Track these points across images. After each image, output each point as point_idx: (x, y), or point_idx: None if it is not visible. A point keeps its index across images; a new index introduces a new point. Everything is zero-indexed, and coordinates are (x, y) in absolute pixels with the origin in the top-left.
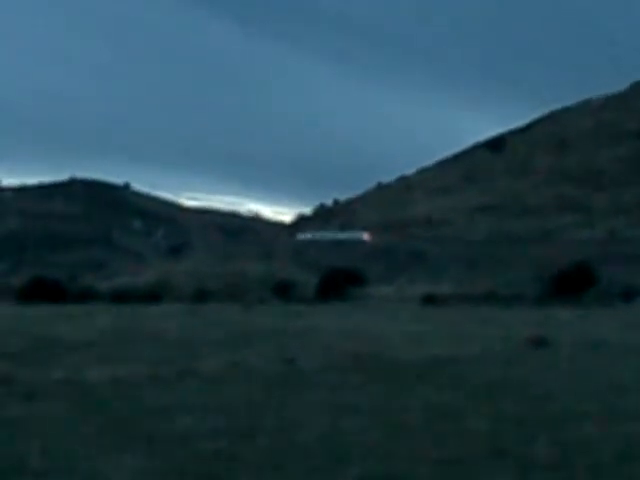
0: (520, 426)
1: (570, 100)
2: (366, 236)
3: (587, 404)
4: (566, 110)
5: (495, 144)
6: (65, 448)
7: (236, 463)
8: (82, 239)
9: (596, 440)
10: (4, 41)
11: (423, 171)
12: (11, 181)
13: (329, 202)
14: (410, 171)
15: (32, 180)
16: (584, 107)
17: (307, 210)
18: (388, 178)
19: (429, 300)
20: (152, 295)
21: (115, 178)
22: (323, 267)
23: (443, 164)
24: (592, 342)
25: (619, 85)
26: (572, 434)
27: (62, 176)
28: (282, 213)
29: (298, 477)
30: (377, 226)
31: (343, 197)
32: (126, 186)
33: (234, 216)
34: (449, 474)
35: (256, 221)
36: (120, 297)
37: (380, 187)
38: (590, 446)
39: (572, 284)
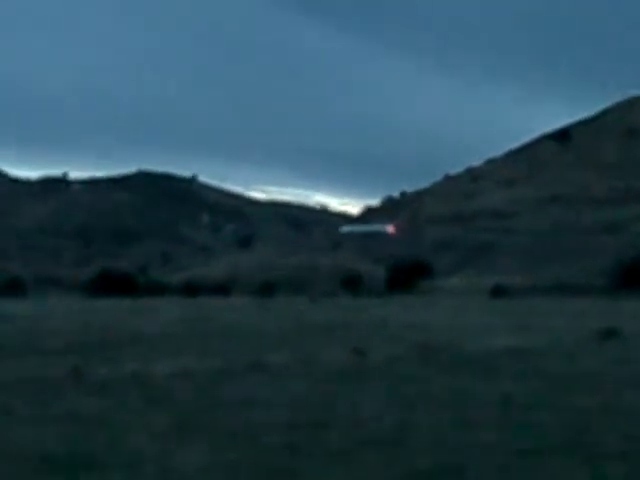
0: (590, 418)
1: (638, 90)
2: (390, 228)
3: None
4: (634, 100)
5: (562, 135)
6: (134, 442)
7: (305, 457)
8: (149, 232)
9: None
10: (71, 36)
11: (490, 162)
12: (79, 174)
13: (396, 194)
14: (477, 162)
15: (100, 173)
16: None
17: (375, 202)
18: (455, 170)
19: (497, 292)
20: (221, 288)
21: (182, 171)
22: (391, 259)
23: (510, 155)
24: None
25: None
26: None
27: (129, 169)
28: (350, 205)
29: (368, 470)
30: (444, 217)
31: (410, 189)
32: (193, 179)
33: (302, 208)
34: (519, 466)
35: (324, 213)
36: (189, 290)
37: (447, 178)
38: None
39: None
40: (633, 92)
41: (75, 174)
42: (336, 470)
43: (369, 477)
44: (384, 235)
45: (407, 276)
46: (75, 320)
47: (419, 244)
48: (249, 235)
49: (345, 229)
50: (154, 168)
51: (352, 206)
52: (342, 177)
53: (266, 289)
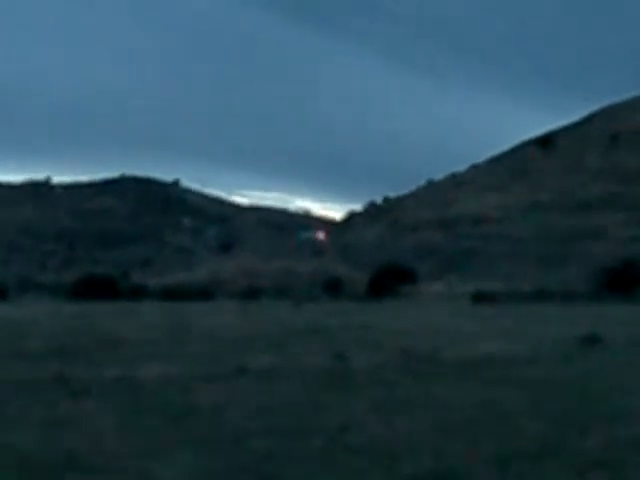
0: (573, 424)
1: (622, 96)
2: (321, 235)
3: None
4: (617, 106)
5: (545, 141)
6: (116, 447)
7: (288, 462)
8: (132, 236)
9: None
10: (56, 38)
11: (473, 168)
12: (62, 178)
13: (379, 199)
14: (461, 168)
15: (83, 177)
16: (636, 103)
17: (357, 207)
18: (439, 175)
19: (479, 298)
20: (203, 292)
21: (165, 175)
22: (373, 264)
23: (493, 161)
24: None
25: None
26: (625, 433)
27: (112, 173)
28: (332, 210)
29: (351, 476)
30: (427, 223)
31: (393, 194)
32: (176, 183)
33: (284, 213)
34: (502, 472)
35: (306, 218)
36: (171, 294)
37: (430, 184)
38: None
39: (623, 281)
40: (616, 98)
41: (58, 178)
42: (320, 476)
43: None
44: (315, 241)
45: (389, 281)
46: (58, 324)
47: (401, 249)
48: (231, 239)
49: (303, 235)
50: (137, 172)
51: (335, 211)
52: (325, 182)
53: (249, 293)
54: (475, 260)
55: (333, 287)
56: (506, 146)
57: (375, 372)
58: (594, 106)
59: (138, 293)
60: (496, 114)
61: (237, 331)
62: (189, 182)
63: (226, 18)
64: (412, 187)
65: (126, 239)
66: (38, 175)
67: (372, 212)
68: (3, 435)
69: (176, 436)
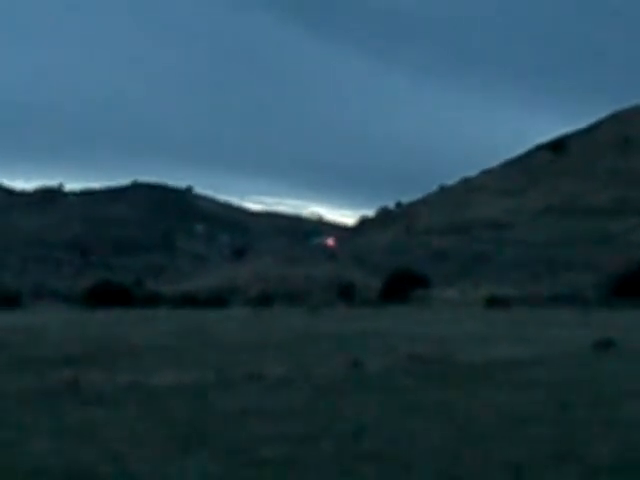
0: (586, 429)
1: (634, 100)
2: (330, 241)
3: None
4: (629, 110)
5: (557, 145)
6: (130, 453)
7: (302, 468)
8: (145, 243)
9: None
10: (67, 44)
11: (485, 173)
12: (74, 186)
13: (392, 205)
14: (473, 173)
15: (95, 184)
16: None
17: (370, 213)
18: (451, 180)
19: (492, 302)
20: (217, 299)
21: (178, 182)
22: (386, 270)
23: (505, 166)
24: None
25: None
26: (639, 438)
27: (125, 180)
28: (346, 216)
29: None
30: (439, 228)
31: (406, 200)
32: (189, 190)
33: (298, 219)
34: (516, 477)
35: (320, 224)
36: (185, 301)
37: (443, 189)
38: None
39: (635, 286)
40: (628, 102)
41: (71, 185)
42: None
43: None
44: (325, 246)
45: (402, 287)
46: (71, 331)
47: (414, 255)
48: (244, 246)
49: (314, 241)
50: (150, 179)
51: (348, 217)
52: (338, 188)
53: (263, 300)
54: (488, 265)
55: (346, 293)
56: (518, 151)
57: (389, 377)
58: (606, 111)
59: (152, 300)
60: (508, 119)
61: (251, 338)
62: (202, 189)
63: (241, 27)
64: (424, 192)
65: (139, 246)
66: (51, 182)
67: (385, 218)
68: (15, 443)
69: (190, 443)
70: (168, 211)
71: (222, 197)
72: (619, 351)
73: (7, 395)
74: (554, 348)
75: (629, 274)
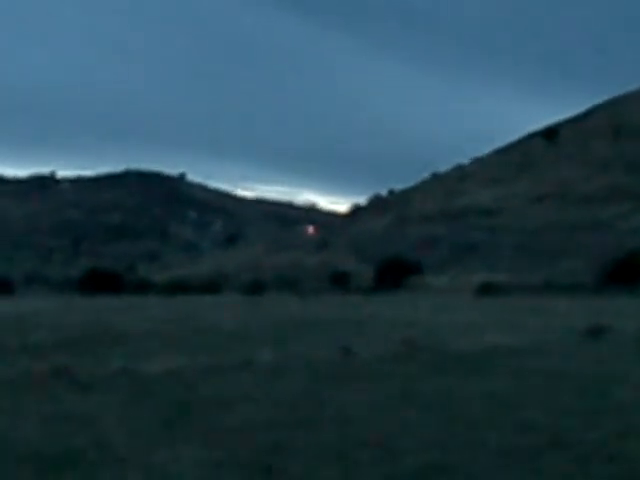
0: (579, 416)
1: (626, 88)
2: (310, 229)
3: None
4: (622, 98)
5: (550, 133)
6: (120, 440)
7: (293, 455)
8: (137, 230)
9: None
10: (59, 34)
11: (478, 160)
12: (67, 173)
13: (384, 192)
14: (465, 161)
15: (88, 172)
16: None
17: (362, 200)
18: (443, 168)
19: (485, 290)
20: (208, 286)
21: (170, 169)
22: (378, 257)
23: (498, 153)
24: None
25: None
26: (632, 425)
27: (117, 167)
28: (338, 203)
29: (356, 468)
30: (432, 215)
31: (398, 187)
32: (181, 177)
33: (290, 206)
34: (507, 464)
35: (312, 211)
36: (177, 288)
37: (435, 177)
38: None
39: (627, 273)
40: (621, 89)
41: (63, 173)
42: (324, 469)
43: (358, 476)
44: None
45: (395, 274)
46: (63, 318)
47: (407, 242)
48: (236, 233)
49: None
50: (142, 166)
51: (340, 204)
52: (330, 175)
53: (255, 287)
54: (480, 252)
55: (339, 280)
56: (511, 138)
57: (381, 364)
58: (599, 97)
59: (144, 287)
60: (501, 106)
61: (243, 324)
62: (194, 176)
63: (237, 15)
64: (417, 180)
65: (131, 233)
66: (43, 169)
67: (377, 205)
68: (5, 429)
69: (181, 429)
70: (160, 198)
71: (214, 184)
72: (611, 338)
73: None
74: (546, 335)
75: (621, 261)
